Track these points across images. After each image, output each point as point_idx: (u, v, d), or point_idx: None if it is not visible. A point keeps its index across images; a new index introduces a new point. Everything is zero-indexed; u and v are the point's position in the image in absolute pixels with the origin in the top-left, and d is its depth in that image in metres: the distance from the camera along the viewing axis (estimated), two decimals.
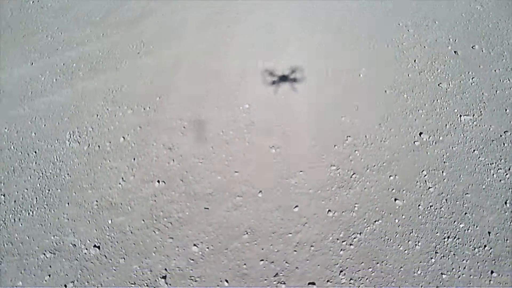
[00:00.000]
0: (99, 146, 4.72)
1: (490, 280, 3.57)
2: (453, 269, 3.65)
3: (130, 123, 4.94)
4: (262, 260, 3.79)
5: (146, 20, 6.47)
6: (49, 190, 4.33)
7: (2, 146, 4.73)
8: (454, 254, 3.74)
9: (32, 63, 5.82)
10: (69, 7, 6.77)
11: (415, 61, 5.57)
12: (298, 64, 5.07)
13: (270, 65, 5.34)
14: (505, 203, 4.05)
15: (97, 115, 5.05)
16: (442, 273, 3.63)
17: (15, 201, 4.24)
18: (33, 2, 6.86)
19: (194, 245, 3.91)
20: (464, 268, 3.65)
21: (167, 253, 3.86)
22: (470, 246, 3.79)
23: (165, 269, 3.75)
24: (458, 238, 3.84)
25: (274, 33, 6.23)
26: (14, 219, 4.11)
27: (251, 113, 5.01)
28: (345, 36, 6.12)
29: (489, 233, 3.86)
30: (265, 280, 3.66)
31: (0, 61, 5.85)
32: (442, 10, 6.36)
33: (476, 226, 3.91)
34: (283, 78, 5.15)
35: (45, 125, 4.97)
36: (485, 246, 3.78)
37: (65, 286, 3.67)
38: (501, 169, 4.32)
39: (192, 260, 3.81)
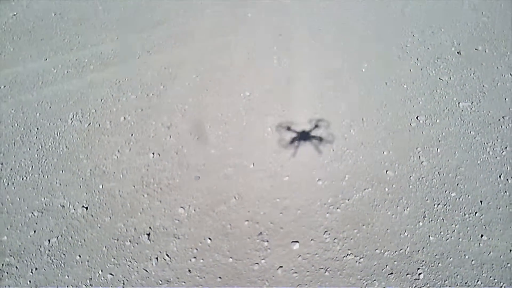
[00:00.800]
0: (99, 125, 4.83)
1: (480, 244, 3.45)
2: (441, 232, 3.56)
3: (132, 106, 5.06)
4: (247, 220, 3.76)
5: (160, 28, 6.75)
6: (45, 160, 4.41)
7: (6, 123, 4.87)
8: (443, 219, 3.66)
9: (46, 59, 6.07)
10: (88, 17, 7.09)
11: (417, 59, 5.66)
12: (322, 118, 5.08)
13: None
14: (499, 176, 3.98)
15: (101, 100, 5.20)
16: (429, 236, 3.54)
17: (11, 169, 4.33)
18: (54, 14, 7.23)
19: (181, 207, 3.89)
20: (453, 231, 3.56)
21: (153, 214, 3.86)
22: (460, 212, 3.70)
23: (150, 228, 3.74)
24: (449, 205, 3.76)
25: (282, 33, 6.42)
26: (8, 183, 4.17)
27: (251, 100, 5.10)
28: (350, 35, 6.28)
29: (481, 201, 3.77)
30: (248, 238, 3.62)
31: (16, 57, 6.10)
32: (448, 20, 6.49)
33: (468, 196, 3.83)
34: (304, 136, 4.81)
35: (50, 107, 5.12)
36: (476, 212, 3.69)
37: (49, 241, 3.67)
38: (497, 147, 4.27)
39: (177, 220, 3.80)
